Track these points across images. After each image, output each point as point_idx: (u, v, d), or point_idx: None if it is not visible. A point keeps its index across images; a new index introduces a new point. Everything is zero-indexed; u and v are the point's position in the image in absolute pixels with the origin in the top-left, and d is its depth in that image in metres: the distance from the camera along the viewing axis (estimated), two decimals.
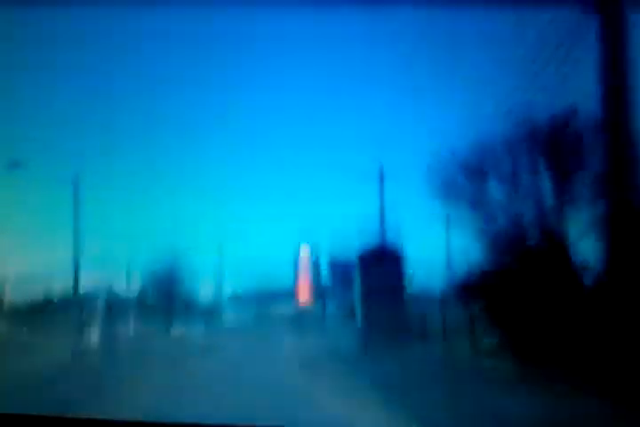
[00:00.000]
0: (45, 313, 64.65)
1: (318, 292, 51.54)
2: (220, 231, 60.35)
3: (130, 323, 66.00)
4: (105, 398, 15.29)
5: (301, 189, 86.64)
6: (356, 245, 47.59)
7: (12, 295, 61.34)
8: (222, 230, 59.51)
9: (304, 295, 51.46)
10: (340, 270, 62.02)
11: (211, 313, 70.85)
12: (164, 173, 78.24)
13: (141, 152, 73.15)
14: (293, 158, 79.43)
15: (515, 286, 17.43)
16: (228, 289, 71.75)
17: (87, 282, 58.67)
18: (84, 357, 33.54)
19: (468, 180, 20.02)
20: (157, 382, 19.37)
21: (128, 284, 65.86)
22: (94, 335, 49.75)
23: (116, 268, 61.17)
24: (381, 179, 38.99)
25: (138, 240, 77.44)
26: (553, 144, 17.58)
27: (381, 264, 33.40)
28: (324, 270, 52.98)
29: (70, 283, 54.70)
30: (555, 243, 16.98)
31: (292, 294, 56.19)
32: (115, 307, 68.35)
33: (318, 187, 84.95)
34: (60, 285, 61.57)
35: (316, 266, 51.58)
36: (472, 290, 19.39)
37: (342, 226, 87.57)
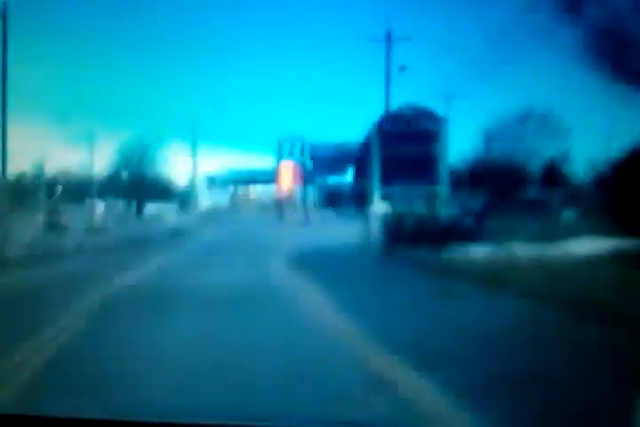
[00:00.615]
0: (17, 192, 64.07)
1: (302, 177, 47.17)
2: (197, 105, 55.18)
3: (97, 204, 62.69)
4: None
5: (290, 64, 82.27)
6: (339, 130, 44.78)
7: None
8: (200, 104, 54.30)
9: (286, 182, 47.19)
10: (325, 154, 57.96)
11: (184, 195, 67.65)
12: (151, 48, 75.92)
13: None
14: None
15: None
16: (202, 169, 68.00)
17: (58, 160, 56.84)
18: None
19: None
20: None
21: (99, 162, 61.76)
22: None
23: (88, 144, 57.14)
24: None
25: (114, 116, 74.18)
26: None
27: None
28: (308, 154, 48.31)
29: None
30: None
31: (272, 178, 51.92)
32: (82, 187, 65.28)
33: (308, 64, 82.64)
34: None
35: (299, 149, 46.92)
36: None
37: (328, 110, 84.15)
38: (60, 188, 56.99)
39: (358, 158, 69.26)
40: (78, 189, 66.22)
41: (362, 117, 69.58)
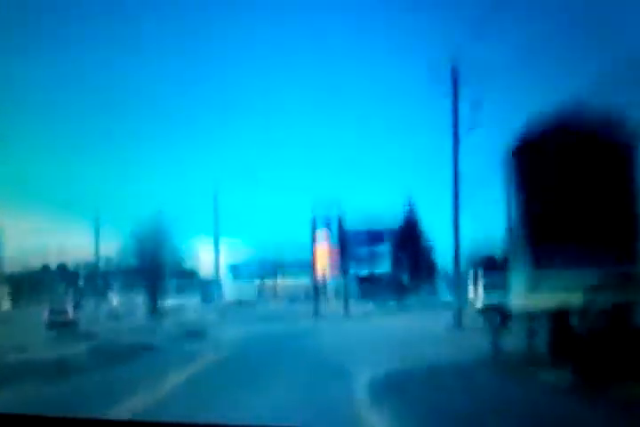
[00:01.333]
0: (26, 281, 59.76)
1: (339, 262, 40.59)
2: (217, 186, 49.72)
3: (111, 297, 56.94)
4: None
5: (321, 144, 77.76)
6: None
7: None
8: (220, 182, 48.78)
9: (324, 265, 40.46)
10: (358, 240, 51.91)
11: (205, 285, 62.05)
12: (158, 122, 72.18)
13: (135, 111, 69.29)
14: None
15: None
16: (226, 257, 62.44)
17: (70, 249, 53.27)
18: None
19: None
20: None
21: (113, 251, 56.74)
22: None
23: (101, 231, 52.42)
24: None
25: (126, 202, 69.68)
26: None
27: None
28: (346, 237, 42.08)
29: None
30: None
31: (306, 263, 45.59)
32: (96, 276, 60.09)
33: (341, 144, 77.80)
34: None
35: (338, 232, 40.67)
36: None
37: (367, 191, 78.77)
38: (68, 281, 52.77)
39: (396, 244, 63.81)
40: (91, 282, 61.15)
41: (398, 198, 64.22)
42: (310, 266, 41.32)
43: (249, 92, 69.00)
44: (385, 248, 63.29)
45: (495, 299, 25.27)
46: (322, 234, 40.29)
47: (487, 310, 25.31)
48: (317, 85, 71.80)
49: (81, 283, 62.62)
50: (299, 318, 37.00)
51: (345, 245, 40.27)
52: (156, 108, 68.72)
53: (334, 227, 40.04)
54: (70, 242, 58.46)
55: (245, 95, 72.15)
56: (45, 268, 67.17)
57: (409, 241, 61.92)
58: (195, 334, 23.83)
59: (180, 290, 59.95)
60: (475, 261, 34.22)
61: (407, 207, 62.26)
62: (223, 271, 66.14)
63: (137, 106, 67.03)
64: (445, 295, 68.59)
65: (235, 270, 65.29)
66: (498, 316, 24.83)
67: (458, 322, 25.20)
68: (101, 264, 60.47)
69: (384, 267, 63.97)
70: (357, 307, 41.75)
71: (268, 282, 64.00)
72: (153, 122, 68.66)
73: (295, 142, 77.53)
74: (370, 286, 59.00)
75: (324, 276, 42.04)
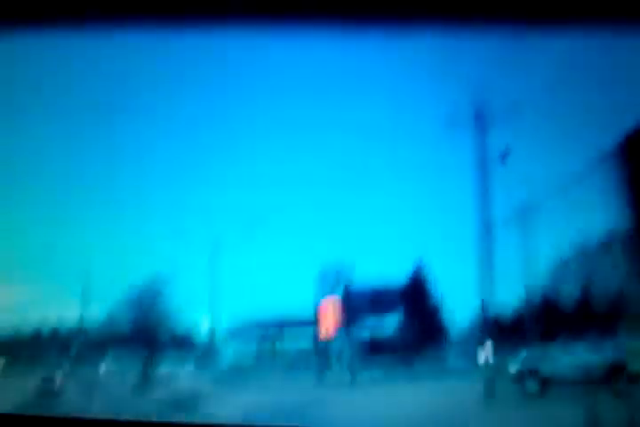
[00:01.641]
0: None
1: (347, 319, 37.10)
2: (212, 246, 46.75)
3: (102, 366, 53.41)
4: None
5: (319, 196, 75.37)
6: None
7: None
8: (215, 244, 45.75)
9: (329, 326, 36.90)
10: (362, 297, 48.75)
11: (203, 350, 58.50)
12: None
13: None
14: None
15: None
16: (223, 320, 59.01)
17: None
18: None
19: None
20: None
21: (102, 316, 53.64)
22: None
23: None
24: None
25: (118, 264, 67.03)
26: None
27: None
28: (353, 297, 38.76)
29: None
30: None
31: (310, 323, 42.23)
32: (84, 345, 56.82)
33: (343, 199, 75.57)
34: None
35: (344, 284, 37.37)
36: None
37: (374, 245, 75.92)
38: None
39: (404, 306, 60.30)
40: (84, 350, 57.79)
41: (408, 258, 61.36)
42: (313, 327, 37.97)
43: (250, 148, 67.25)
44: (393, 309, 59.94)
45: (532, 363, 22.35)
46: (327, 293, 37.15)
47: (523, 376, 22.33)
48: (324, 137, 70.09)
49: (73, 352, 59.40)
50: (302, 387, 33.61)
51: (352, 305, 37.06)
52: (146, 171, 66.86)
53: (341, 285, 36.93)
54: (62, 310, 55.37)
55: (247, 150, 70.44)
56: (36, 337, 64.41)
57: (418, 303, 58.61)
58: (184, 410, 20.45)
59: (175, 356, 56.74)
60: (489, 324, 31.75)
61: (417, 268, 59.19)
62: (220, 336, 62.77)
63: (123, 168, 65.33)
64: (456, 362, 64.93)
65: (232, 334, 61.71)
66: (535, 382, 21.83)
67: (490, 391, 21.85)
68: (94, 332, 57.32)
69: (390, 330, 60.43)
70: (363, 374, 38.30)
71: (267, 346, 60.38)
72: (146, 182, 66.62)
73: (300, 199, 75.45)
74: (375, 350, 55.35)
75: (327, 338, 38.65)
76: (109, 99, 57.45)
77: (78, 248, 54.28)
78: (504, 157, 22.06)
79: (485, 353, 64.46)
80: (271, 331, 59.49)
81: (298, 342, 58.27)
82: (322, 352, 39.16)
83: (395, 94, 67.36)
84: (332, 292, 36.58)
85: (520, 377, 22.40)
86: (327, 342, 42.30)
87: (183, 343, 59.32)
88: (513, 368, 23.02)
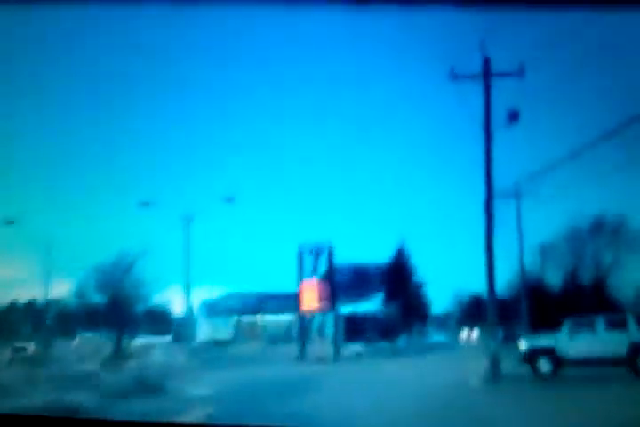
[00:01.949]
0: None
1: (329, 299, 35.32)
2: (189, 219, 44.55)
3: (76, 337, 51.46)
4: None
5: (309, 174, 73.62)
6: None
7: None
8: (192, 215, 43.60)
9: (311, 302, 35.13)
10: (344, 277, 47.21)
11: (179, 325, 56.71)
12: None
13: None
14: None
15: None
16: (199, 292, 57.26)
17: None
18: None
19: None
20: None
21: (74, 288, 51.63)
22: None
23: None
24: None
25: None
26: None
27: None
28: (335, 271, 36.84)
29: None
30: None
31: (289, 298, 40.45)
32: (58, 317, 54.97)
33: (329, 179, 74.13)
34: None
35: (327, 264, 35.49)
36: None
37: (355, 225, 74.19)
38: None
39: (386, 282, 58.76)
40: (57, 320, 56.04)
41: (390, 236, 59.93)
42: (295, 301, 36.20)
43: (235, 119, 65.53)
44: (376, 287, 58.36)
45: (547, 341, 20.56)
46: (310, 268, 35.24)
47: (536, 355, 20.52)
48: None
49: (48, 321, 57.58)
50: (282, 361, 31.92)
51: (334, 278, 35.24)
52: (120, 143, 64.87)
53: (323, 259, 35.02)
54: (36, 281, 53.34)
55: (232, 120, 68.54)
56: (11, 307, 62.76)
57: (400, 279, 57.11)
58: (152, 388, 18.52)
59: (152, 328, 55.05)
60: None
61: (399, 245, 57.52)
62: (197, 308, 60.85)
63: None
64: (437, 337, 63.87)
65: (210, 307, 59.84)
66: (549, 362, 20.12)
67: (494, 371, 20.00)
68: (67, 302, 55.38)
69: (372, 305, 58.91)
70: (345, 349, 36.67)
71: (247, 319, 58.58)
72: (120, 154, 64.70)
73: (285, 174, 73.92)
74: (357, 325, 53.83)
75: (309, 312, 36.88)
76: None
77: (47, 222, 52.30)
78: (513, 117, 20.12)
79: (469, 333, 63.61)
80: (251, 304, 57.86)
81: (278, 316, 56.73)
82: (303, 326, 37.45)
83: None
84: (314, 267, 34.83)
85: (531, 356, 20.35)
86: (309, 316, 40.66)
87: (158, 316, 57.74)
88: (524, 346, 20.77)
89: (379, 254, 76.43)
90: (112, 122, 59.48)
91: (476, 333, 64.87)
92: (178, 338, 54.88)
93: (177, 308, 56.97)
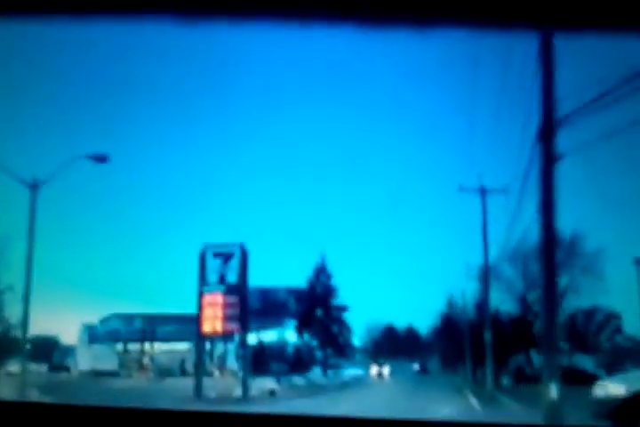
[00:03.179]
0: None
1: (239, 318, 27.09)
2: None
3: None
4: None
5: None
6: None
7: None
8: None
9: (216, 320, 26.64)
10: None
11: (53, 349, 48.08)
12: None
13: None
14: None
15: None
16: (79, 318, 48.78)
17: None
18: None
19: None
20: None
21: None
22: None
23: None
24: None
25: None
26: None
27: None
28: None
29: None
30: None
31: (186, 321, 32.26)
32: None
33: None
34: None
35: (236, 271, 27.48)
36: None
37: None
38: None
39: (305, 305, 51.10)
40: None
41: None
42: (193, 324, 28.12)
43: None
44: (285, 310, 51.19)
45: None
46: (214, 274, 27.20)
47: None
48: None
49: None
50: (174, 399, 24.02)
51: (246, 292, 27.24)
52: None
53: (233, 265, 26.96)
54: None
55: None
56: None
57: (317, 302, 49.95)
58: None
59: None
60: None
61: (319, 267, 50.20)
62: (78, 333, 52.35)
63: None
64: (353, 370, 56.99)
65: (90, 333, 51.02)
66: None
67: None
68: None
69: (282, 333, 51.71)
70: (253, 384, 29.08)
71: (135, 347, 50.08)
72: None
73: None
74: (264, 356, 46.56)
75: (211, 336, 28.77)
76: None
77: None
78: None
79: (379, 369, 57.49)
80: (137, 327, 49.29)
81: (173, 345, 48.64)
82: (202, 355, 29.54)
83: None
84: (221, 275, 26.93)
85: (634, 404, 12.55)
86: (210, 342, 32.90)
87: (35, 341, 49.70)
88: (616, 390, 12.75)
89: (291, 277, 69.60)
90: None
91: (387, 368, 58.85)
92: (53, 366, 47.44)
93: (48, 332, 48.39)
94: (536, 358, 37.80)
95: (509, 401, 22.38)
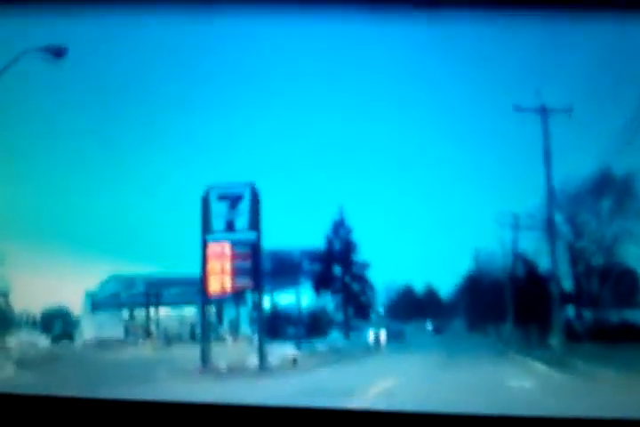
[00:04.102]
0: None
1: (252, 272, 22.73)
2: None
3: None
4: None
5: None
6: None
7: None
8: None
9: (223, 276, 22.40)
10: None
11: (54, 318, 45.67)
12: None
13: None
14: None
15: None
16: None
17: None
18: None
19: None
20: None
21: None
22: None
23: None
24: None
25: None
26: None
27: None
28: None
29: None
30: None
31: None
32: None
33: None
34: None
35: (248, 216, 23.06)
36: None
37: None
38: None
39: (322, 263, 47.38)
40: None
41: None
42: (200, 283, 23.81)
43: None
44: (300, 272, 47.42)
45: None
46: (220, 220, 22.74)
47: None
48: None
49: None
50: (179, 372, 20.04)
51: (259, 240, 22.75)
52: None
53: (243, 209, 22.48)
54: None
55: None
56: None
57: (337, 262, 45.88)
58: None
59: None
60: None
61: (337, 221, 45.96)
62: (80, 300, 49.31)
63: None
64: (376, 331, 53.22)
65: (93, 300, 47.50)
66: None
67: None
68: None
69: (299, 295, 47.93)
70: (271, 352, 25.01)
71: (140, 313, 46.66)
72: None
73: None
74: (281, 319, 42.94)
75: (219, 295, 24.27)
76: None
77: None
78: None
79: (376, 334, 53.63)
80: (145, 294, 45.67)
81: (179, 309, 45.17)
82: (207, 318, 25.32)
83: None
84: (228, 222, 22.48)
85: None
86: (218, 303, 28.86)
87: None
88: None
89: (306, 234, 65.66)
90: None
91: (383, 333, 54.74)
92: (56, 337, 45.36)
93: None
94: (586, 313, 33.81)
95: (592, 367, 18.05)
